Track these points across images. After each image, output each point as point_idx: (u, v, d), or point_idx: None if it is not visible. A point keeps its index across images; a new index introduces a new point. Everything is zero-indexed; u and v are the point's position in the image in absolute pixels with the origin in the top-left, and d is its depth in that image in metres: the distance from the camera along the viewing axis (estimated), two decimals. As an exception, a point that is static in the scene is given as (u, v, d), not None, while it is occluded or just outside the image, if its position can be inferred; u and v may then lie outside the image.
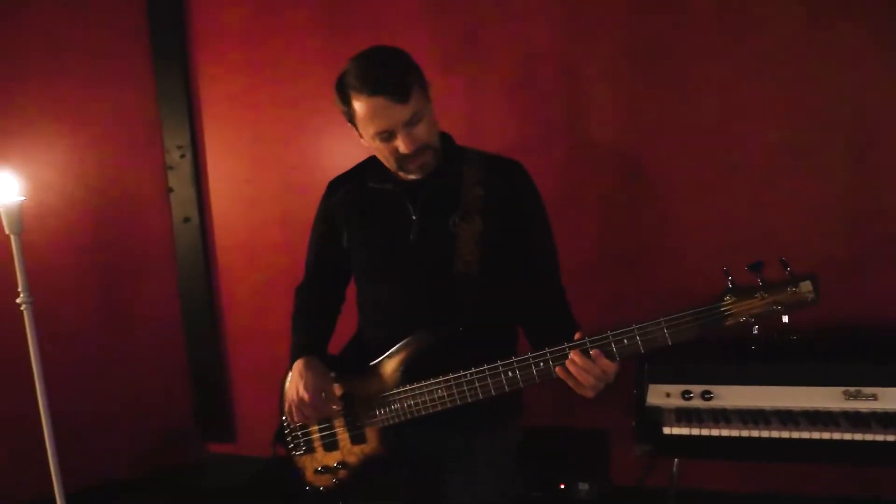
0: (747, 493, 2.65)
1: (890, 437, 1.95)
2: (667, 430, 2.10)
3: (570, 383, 1.31)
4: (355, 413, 1.55)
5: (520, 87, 2.69)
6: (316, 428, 1.61)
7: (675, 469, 2.29)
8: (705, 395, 2.17)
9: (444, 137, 1.58)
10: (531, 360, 1.34)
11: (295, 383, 1.54)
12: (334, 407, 1.53)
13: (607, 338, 1.27)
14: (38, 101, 2.92)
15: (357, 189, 1.60)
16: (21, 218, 2.07)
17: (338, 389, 1.56)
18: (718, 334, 1.26)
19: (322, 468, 1.59)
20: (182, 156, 3.11)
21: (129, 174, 3.11)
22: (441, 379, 1.42)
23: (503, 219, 1.50)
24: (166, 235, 3.17)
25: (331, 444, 1.59)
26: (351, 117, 1.46)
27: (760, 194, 2.51)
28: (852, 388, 2.06)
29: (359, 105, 1.40)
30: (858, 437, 1.96)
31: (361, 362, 1.55)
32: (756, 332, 1.22)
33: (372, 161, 1.59)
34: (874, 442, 1.95)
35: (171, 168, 3.13)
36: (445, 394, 1.42)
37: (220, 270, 3.22)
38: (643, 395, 2.23)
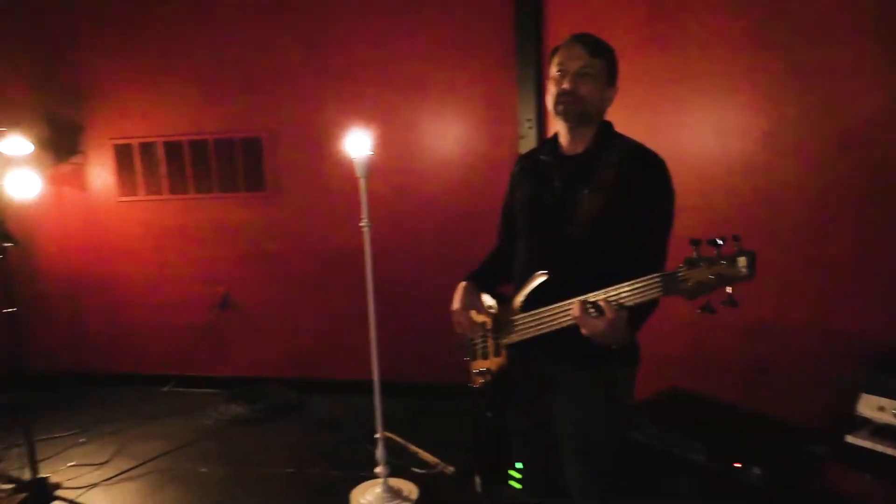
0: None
1: None
2: (850, 439, 2.00)
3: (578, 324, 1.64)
4: (498, 332, 2.00)
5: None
6: (479, 341, 2.09)
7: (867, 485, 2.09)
8: (920, 420, 1.96)
9: (605, 124, 1.93)
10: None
11: (455, 299, 2.05)
12: (479, 321, 2.01)
13: (607, 292, 1.59)
14: (409, 82, 4.13)
15: (532, 160, 2.07)
16: (367, 167, 2.84)
17: (490, 310, 2.01)
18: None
19: (477, 371, 2.08)
20: (529, 127, 3.88)
21: (488, 139, 4.11)
22: (538, 310, 1.84)
23: (624, 199, 1.79)
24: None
25: (484, 354, 2.06)
26: (549, 67, 1.92)
27: None
28: None
29: (559, 48, 1.88)
30: None
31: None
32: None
33: (550, 139, 2.03)
34: None
35: (522, 137, 3.93)
36: (538, 322, 1.84)
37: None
38: (853, 402, 2.13)
